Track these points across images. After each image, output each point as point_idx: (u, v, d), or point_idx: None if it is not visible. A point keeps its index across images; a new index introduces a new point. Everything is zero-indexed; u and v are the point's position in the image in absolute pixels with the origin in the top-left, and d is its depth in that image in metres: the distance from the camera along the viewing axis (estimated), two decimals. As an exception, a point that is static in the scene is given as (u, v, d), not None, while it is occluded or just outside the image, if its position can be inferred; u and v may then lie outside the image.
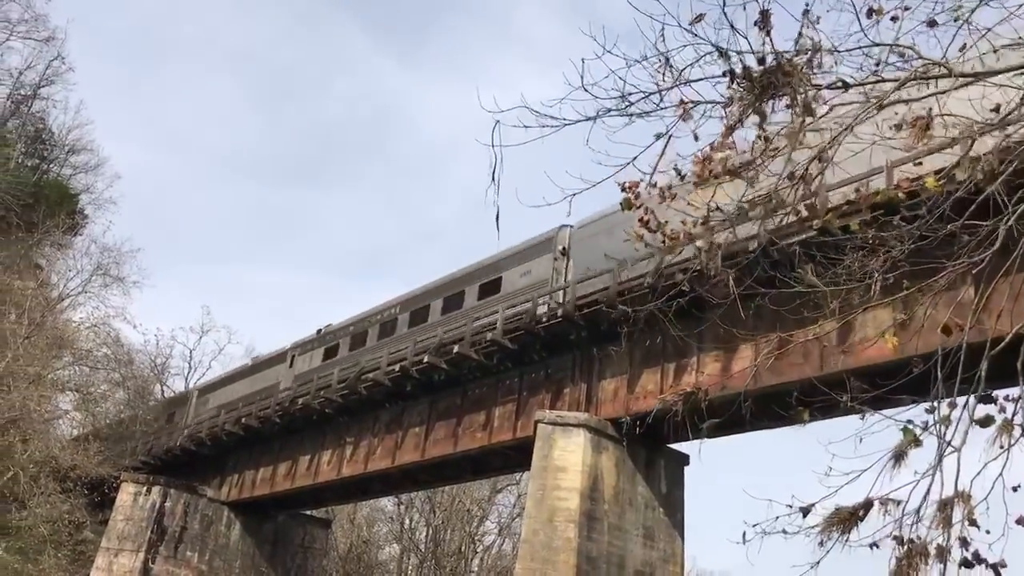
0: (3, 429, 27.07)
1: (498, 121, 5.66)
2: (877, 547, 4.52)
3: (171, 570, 34.95)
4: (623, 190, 7.82)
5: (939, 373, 5.87)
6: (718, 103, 5.56)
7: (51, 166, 56.44)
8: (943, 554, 5.46)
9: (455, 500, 51.20)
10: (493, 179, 5.92)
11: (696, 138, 6.68)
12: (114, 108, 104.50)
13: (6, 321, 28.71)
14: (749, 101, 5.35)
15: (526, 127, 5.70)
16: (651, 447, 23.36)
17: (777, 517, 4.76)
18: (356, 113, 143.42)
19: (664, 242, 8.23)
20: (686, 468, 24.02)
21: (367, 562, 52.72)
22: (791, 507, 4.69)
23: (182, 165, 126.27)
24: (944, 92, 5.94)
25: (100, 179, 55.12)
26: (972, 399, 5.76)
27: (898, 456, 5.46)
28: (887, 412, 6.00)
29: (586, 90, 5.67)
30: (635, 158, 5.90)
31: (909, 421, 5.01)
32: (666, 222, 8.18)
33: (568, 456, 21.62)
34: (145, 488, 35.91)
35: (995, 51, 5.49)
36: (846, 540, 4.61)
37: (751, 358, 20.13)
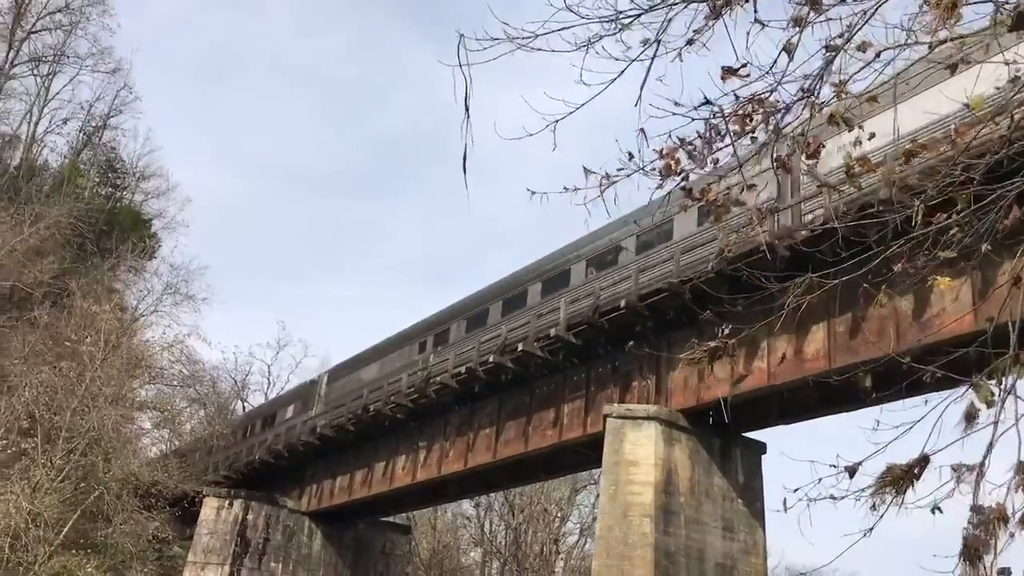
0: (86, 449, 27.77)
1: (462, 35, 5.15)
2: (940, 511, 4.07)
3: (256, 582, 35.46)
4: (660, 156, 7.39)
5: (1012, 332, 5.36)
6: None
7: (123, 193, 58.01)
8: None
9: (534, 501, 50.95)
10: (466, 109, 5.34)
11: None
12: (184, 133, 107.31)
13: (84, 344, 29.50)
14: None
15: (495, 40, 5.20)
16: (726, 437, 22.79)
17: (820, 479, 4.34)
18: (420, 122, 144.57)
19: (708, 211, 7.79)
20: (764, 456, 23.36)
21: (449, 567, 52.79)
22: (835, 467, 4.26)
23: (252, 185, 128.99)
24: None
25: (172, 204, 56.49)
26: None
27: (969, 417, 4.97)
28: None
29: (571, 10, 5.20)
30: (621, 73, 5.39)
31: (980, 376, 4.50)
32: (708, 188, 7.69)
33: (639, 450, 21.19)
34: (227, 502, 36.51)
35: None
36: (901, 502, 4.17)
37: (823, 339, 19.47)
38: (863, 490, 4.21)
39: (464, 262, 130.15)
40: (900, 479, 4.10)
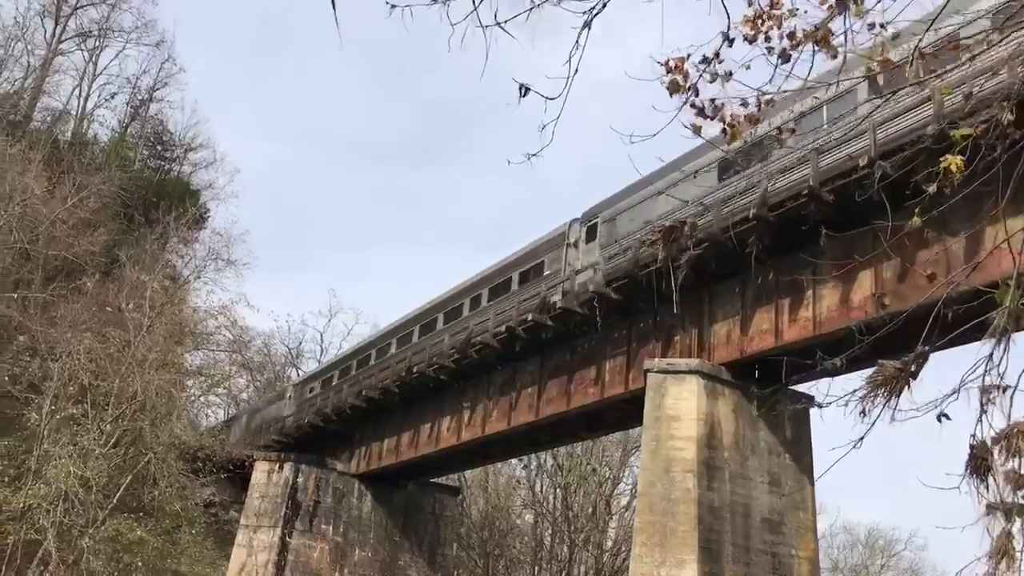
0: (134, 415, 28.14)
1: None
2: (948, 417, 3.54)
3: (308, 543, 35.81)
4: (668, 71, 6.86)
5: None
6: None
7: (172, 165, 58.63)
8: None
9: (582, 462, 50.64)
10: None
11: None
12: (233, 103, 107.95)
13: (128, 312, 29.83)
14: None
15: None
16: (771, 390, 22.12)
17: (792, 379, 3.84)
18: (474, 85, 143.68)
19: (724, 131, 7.23)
20: (811, 411, 22.68)
21: (501, 528, 52.92)
22: (812, 363, 3.74)
23: (302, 154, 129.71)
24: None
25: (220, 175, 57.06)
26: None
27: (1001, 332, 4.41)
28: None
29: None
30: None
31: (1006, 283, 3.96)
32: (723, 105, 7.12)
33: (681, 404, 20.67)
34: (277, 466, 36.85)
35: None
36: (895, 406, 3.64)
37: (871, 286, 18.68)
38: (852, 393, 3.72)
39: (523, 223, 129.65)
40: (893, 379, 3.60)
